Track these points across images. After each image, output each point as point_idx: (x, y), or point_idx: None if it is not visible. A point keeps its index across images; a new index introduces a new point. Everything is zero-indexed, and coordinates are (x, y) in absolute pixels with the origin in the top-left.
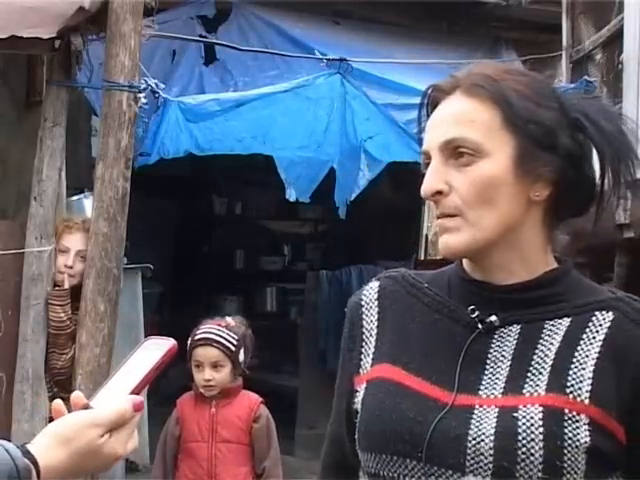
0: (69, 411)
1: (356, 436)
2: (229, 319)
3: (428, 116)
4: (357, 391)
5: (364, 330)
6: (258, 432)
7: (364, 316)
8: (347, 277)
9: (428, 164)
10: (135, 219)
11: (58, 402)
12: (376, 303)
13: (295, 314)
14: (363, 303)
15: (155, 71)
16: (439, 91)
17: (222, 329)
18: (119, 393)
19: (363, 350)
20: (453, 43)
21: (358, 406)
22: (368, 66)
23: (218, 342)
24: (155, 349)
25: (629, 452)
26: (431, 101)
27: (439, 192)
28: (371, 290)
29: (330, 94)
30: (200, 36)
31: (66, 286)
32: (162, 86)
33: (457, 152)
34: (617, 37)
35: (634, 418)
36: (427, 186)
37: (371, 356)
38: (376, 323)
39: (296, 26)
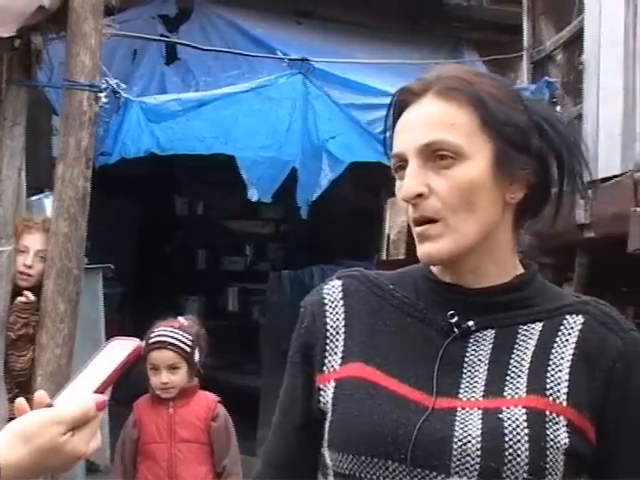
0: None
1: (326, 436)
2: (182, 319)
3: (395, 118)
4: (322, 389)
5: (329, 328)
6: (217, 431)
7: (328, 314)
8: (309, 277)
9: (400, 167)
10: (96, 219)
11: (21, 400)
12: (341, 302)
13: (257, 314)
14: (326, 301)
15: (116, 71)
16: (409, 93)
17: (176, 331)
18: (82, 392)
19: (328, 348)
20: (415, 43)
21: (327, 405)
22: (330, 66)
23: (173, 344)
24: (120, 349)
25: (597, 453)
26: (399, 103)
27: (419, 195)
28: (334, 288)
29: (292, 94)
30: (161, 35)
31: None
32: (123, 86)
33: (436, 155)
34: (577, 38)
35: (604, 419)
36: (408, 189)
37: (340, 355)
38: (343, 322)
39: (258, 26)
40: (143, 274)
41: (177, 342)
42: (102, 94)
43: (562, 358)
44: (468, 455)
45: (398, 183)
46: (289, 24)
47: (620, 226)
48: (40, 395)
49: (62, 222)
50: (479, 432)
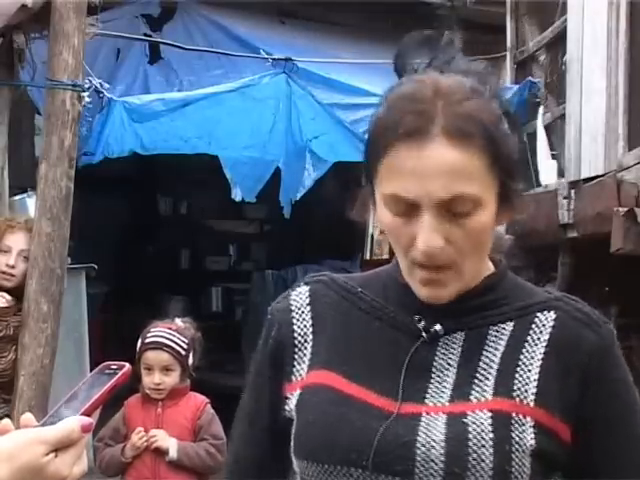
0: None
1: (292, 444)
2: (179, 321)
3: (386, 140)
4: (288, 398)
5: (295, 335)
6: (202, 422)
7: (295, 321)
8: (293, 277)
9: (404, 210)
10: (79, 219)
11: (6, 421)
12: (308, 308)
13: (241, 314)
14: (293, 308)
15: (99, 70)
16: (408, 122)
17: (173, 333)
18: (68, 414)
19: (296, 357)
20: (398, 43)
21: (292, 413)
22: (314, 66)
23: (169, 347)
24: (109, 373)
25: (574, 450)
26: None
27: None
28: (301, 294)
29: (276, 94)
30: (145, 35)
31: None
32: (106, 85)
33: (457, 211)
34: (561, 38)
35: (581, 415)
36: (428, 245)
37: (307, 362)
38: (311, 329)
39: (242, 25)
40: (126, 274)
41: (173, 344)
42: (85, 93)
43: (532, 357)
44: (432, 460)
45: (388, 215)
46: (272, 24)
47: (603, 226)
48: (27, 417)
49: (45, 222)
50: (443, 437)
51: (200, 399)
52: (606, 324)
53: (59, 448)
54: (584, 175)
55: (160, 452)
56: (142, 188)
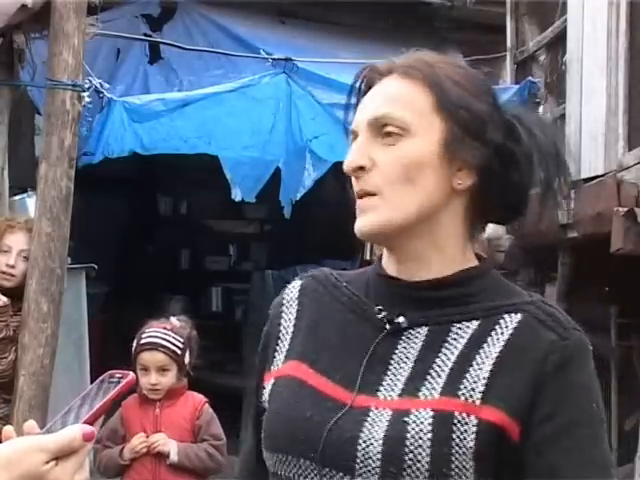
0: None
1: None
2: (174, 320)
3: (359, 98)
4: (264, 387)
5: (281, 328)
6: (202, 422)
7: (283, 314)
8: (293, 277)
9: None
10: (79, 219)
11: (8, 428)
12: (296, 302)
13: (240, 314)
14: (284, 302)
15: (99, 70)
16: (375, 72)
17: (168, 333)
18: (71, 423)
19: (278, 348)
20: (399, 43)
21: (265, 404)
22: (314, 66)
23: (164, 347)
24: (112, 382)
25: (522, 449)
26: (365, 83)
27: (361, 167)
28: (293, 289)
29: (276, 94)
30: (145, 35)
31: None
32: (106, 85)
33: (384, 132)
34: (561, 38)
35: (533, 414)
36: (350, 161)
37: (284, 353)
38: (293, 321)
39: (242, 25)
40: (126, 274)
41: (168, 344)
42: (85, 93)
43: (487, 357)
44: (370, 458)
45: None
46: (272, 23)
47: (603, 226)
48: (29, 425)
49: (45, 222)
50: (382, 435)
51: (198, 399)
52: (575, 330)
53: (60, 456)
54: (584, 175)
55: (161, 455)
56: (142, 188)
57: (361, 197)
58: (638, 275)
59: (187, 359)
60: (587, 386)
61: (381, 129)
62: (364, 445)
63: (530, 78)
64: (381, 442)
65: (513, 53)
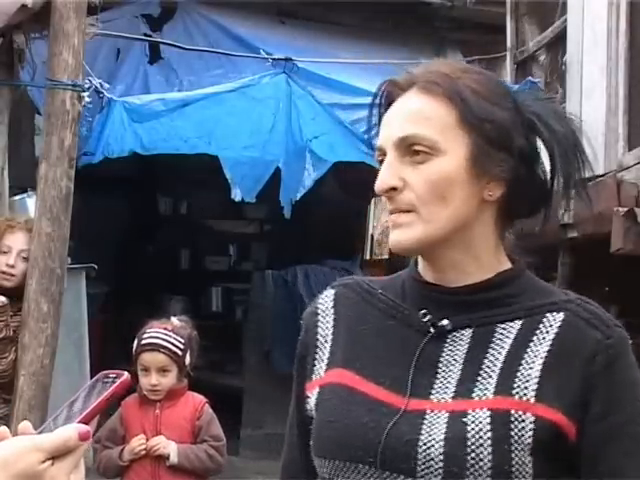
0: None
1: (311, 442)
2: (175, 320)
3: (381, 111)
4: (309, 397)
5: (319, 337)
6: (202, 422)
7: (319, 323)
8: (293, 277)
9: (382, 160)
10: (79, 219)
11: (3, 429)
12: (332, 311)
13: (241, 314)
14: (319, 311)
15: (99, 70)
16: (395, 86)
17: (169, 333)
18: (66, 422)
19: (317, 357)
20: (399, 43)
21: (312, 412)
22: (314, 66)
23: (165, 347)
24: (107, 381)
25: (581, 448)
26: (386, 97)
27: (393, 188)
28: (327, 298)
29: (276, 94)
30: (145, 35)
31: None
32: (106, 86)
33: (412, 150)
34: (561, 38)
35: (586, 412)
36: (381, 182)
37: (325, 362)
38: (331, 330)
39: (241, 25)
40: (126, 274)
41: (169, 345)
42: (85, 93)
43: (536, 356)
44: (432, 459)
45: None
46: (272, 23)
47: (603, 226)
48: (24, 425)
49: (45, 222)
50: (442, 436)
51: (198, 399)
52: (617, 327)
53: (56, 456)
54: (584, 175)
55: (160, 456)
56: (142, 188)
57: (393, 212)
58: (638, 275)
59: (188, 360)
60: (635, 382)
61: (409, 148)
62: (424, 447)
63: (530, 78)
64: (442, 443)
65: (513, 53)
